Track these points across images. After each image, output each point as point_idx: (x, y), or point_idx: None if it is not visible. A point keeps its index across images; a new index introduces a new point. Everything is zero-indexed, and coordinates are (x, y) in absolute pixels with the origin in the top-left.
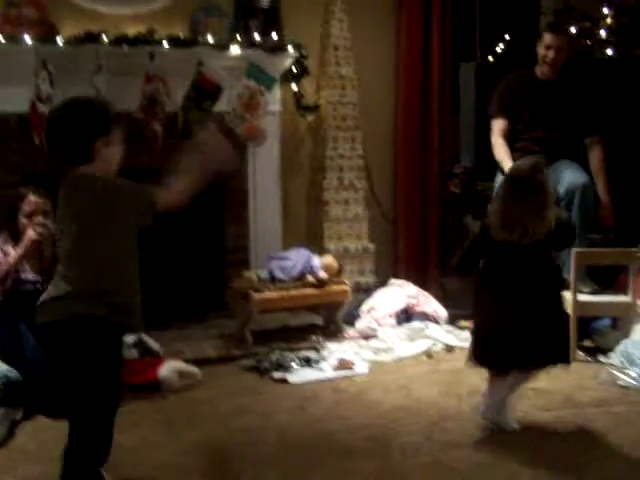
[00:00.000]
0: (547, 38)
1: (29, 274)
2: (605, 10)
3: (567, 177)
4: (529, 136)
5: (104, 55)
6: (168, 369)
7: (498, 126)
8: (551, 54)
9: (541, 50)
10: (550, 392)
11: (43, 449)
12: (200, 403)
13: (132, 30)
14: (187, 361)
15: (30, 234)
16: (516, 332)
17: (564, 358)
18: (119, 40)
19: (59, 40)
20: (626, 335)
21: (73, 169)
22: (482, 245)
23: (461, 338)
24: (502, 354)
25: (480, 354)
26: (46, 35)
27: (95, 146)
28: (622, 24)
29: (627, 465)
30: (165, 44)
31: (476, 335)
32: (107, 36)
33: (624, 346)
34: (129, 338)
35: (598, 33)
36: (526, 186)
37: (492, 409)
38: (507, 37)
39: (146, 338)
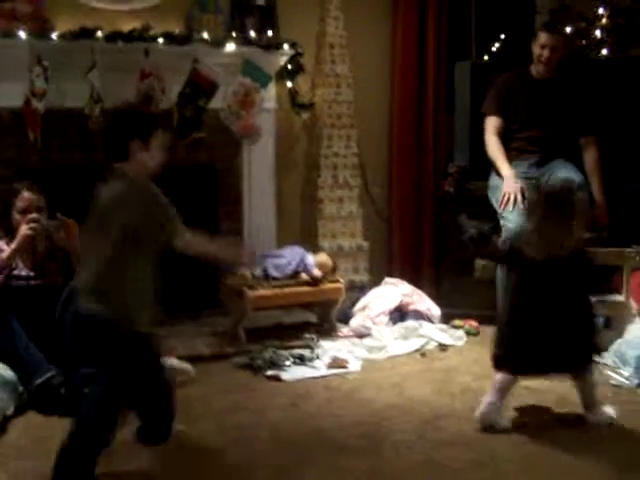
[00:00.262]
0: (542, 37)
1: (22, 270)
2: (600, 10)
3: (562, 177)
4: (524, 135)
5: (99, 51)
6: None
7: (492, 123)
8: (546, 53)
9: (536, 49)
10: (543, 391)
11: (35, 445)
12: (193, 400)
13: (127, 26)
14: (180, 358)
15: (24, 230)
16: (549, 341)
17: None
18: (114, 36)
19: (54, 35)
20: (619, 335)
21: (111, 165)
22: (512, 263)
23: (455, 337)
24: (536, 362)
25: (512, 362)
26: (40, 30)
27: (130, 146)
28: (617, 24)
29: (620, 463)
30: (160, 40)
31: (507, 343)
32: (102, 32)
33: (617, 346)
34: None
35: (593, 33)
36: (557, 200)
37: (493, 412)
38: (503, 37)
39: None
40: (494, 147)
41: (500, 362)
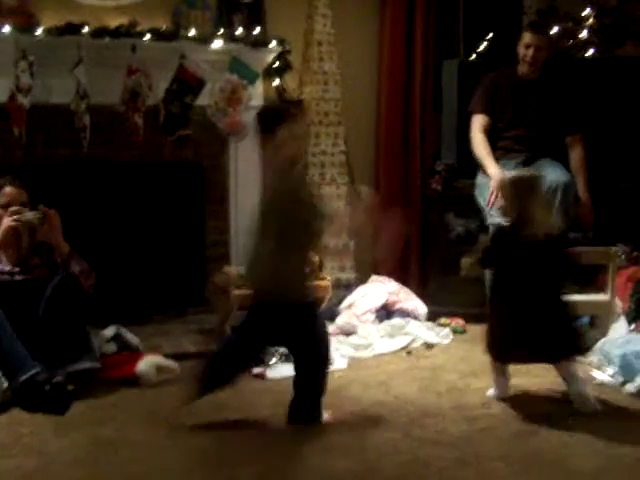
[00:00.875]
0: (527, 37)
1: (6, 265)
2: (587, 11)
3: (548, 175)
4: (511, 135)
5: (85, 46)
6: (146, 364)
7: (479, 121)
8: (530, 52)
9: (521, 49)
10: (527, 389)
11: (18, 443)
12: (179, 398)
13: (114, 22)
14: (166, 356)
15: (7, 223)
16: (525, 330)
17: (575, 350)
18: (100, 32)
19: (39, 30)
20: (604, 333)
21: None
22: (501, 247)
23: (441, 335)
24: (517, 352)
25: (497, 351)
26: (26, 25)
27: (262, 143)
28: (604, 25)
29: (603, 460)
30: (147, 37)
31: (492, 333)
32: (88, 27)
33: (602, 344)
34: (108, 331)
35: (580, 33)
36: (523, 184)
37: (500, 389)
38: (490, 36)
39: (125, 332)
40: (480, 145)
41: (487, 349)
